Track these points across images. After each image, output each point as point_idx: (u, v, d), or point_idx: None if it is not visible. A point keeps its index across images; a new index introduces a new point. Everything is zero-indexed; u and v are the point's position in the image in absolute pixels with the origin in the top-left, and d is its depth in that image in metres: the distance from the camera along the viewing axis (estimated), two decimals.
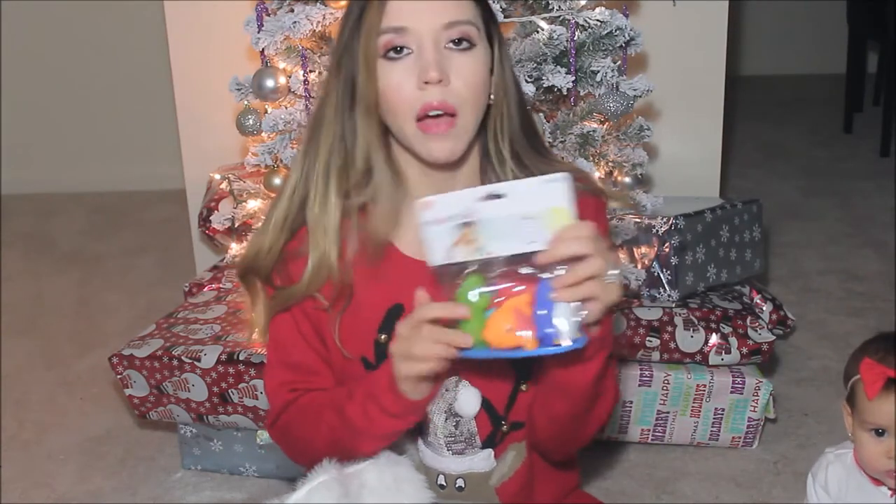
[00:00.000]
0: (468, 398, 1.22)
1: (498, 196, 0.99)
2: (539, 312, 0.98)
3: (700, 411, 2.01)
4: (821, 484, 1.34)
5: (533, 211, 0.98)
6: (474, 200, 1.00)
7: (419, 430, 1.25)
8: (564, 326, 0.98)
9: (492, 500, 1.27)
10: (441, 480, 1.26)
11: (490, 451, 1.25)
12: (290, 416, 1.25)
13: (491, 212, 0.99)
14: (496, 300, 1.01)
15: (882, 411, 1.22)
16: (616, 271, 1.01)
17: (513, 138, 1.20)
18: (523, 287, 1.00)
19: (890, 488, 1.27)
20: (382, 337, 1.20)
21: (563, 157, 1.85)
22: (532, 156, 1.21)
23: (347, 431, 1.16)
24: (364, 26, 1.12)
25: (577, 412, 1.17)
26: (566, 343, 0.98)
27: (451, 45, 1.11)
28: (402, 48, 1.11)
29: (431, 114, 1.11)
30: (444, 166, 1.17)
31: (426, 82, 1.10)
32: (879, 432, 1.23)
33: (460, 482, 1.25)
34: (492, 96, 1.18)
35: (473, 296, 1.01)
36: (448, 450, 1.24)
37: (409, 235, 1.20)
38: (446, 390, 1.22)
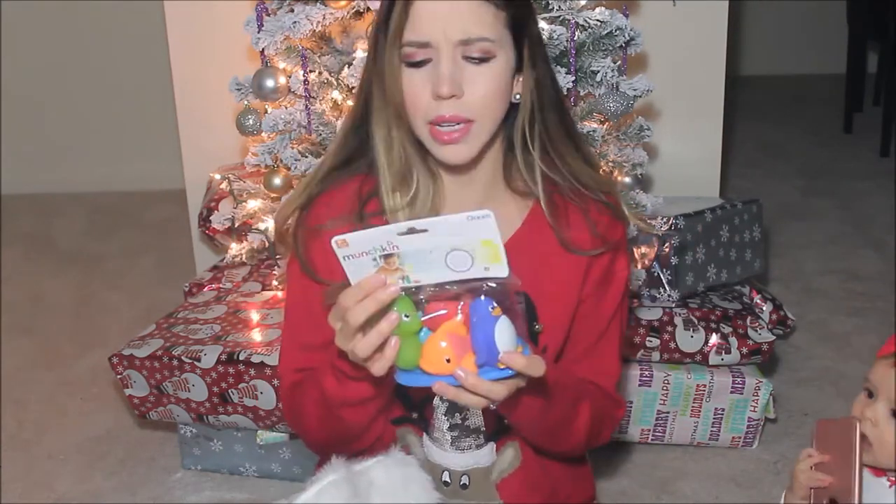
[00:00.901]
0: None
1: (419, 230, 0.97)
2: (477, 336, 0.97)
3: (700, 411, 2.01)
4: None
5: (460, 243, 0.97)
6: (394, 235, 0.97)
7: (424, 425, 1.25)
8: (507, 348, 0.97)
9: (492, 496, 1.27)
10: (446, 477, 1.26)
11: (493, 445, 1.26)
12: (292, 400, 1.26)
13: (414, 244, 0.97)
14: (430, 319, 0.99)
15: (878, 370, 1.22)
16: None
17: (544, 138, 1.19)
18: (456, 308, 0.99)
19: (890, 476, 1.26)
20: None
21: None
22: (569, 155, 1.20)
23: (327, 404, 1.17)
24: (389, 33, 1.12)
25: (536, 437, 1.21)
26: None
27: (468, 56, 1.11)
28: (421, 57, 1.12)
29: (444, 125, 1.12)
30: (461, 167, 1.18)
31: (439, 96, 1.10)
32: (871, 395, 1.24)
33: (465, 479, 1.26)
34: (517, 95, 1.17)
35: (405, 319, 0.99)
36: (453, 446, 1.24)
37: None
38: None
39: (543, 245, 1.22)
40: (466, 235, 0.96)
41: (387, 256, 0.97)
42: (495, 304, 0.98)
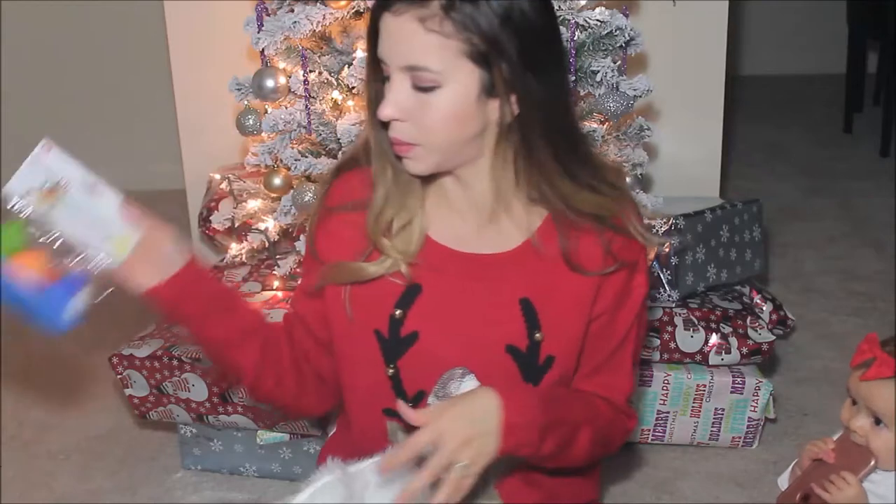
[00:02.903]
0: (470, 389, 1.22)
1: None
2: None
3: (700, 411, 2.01)
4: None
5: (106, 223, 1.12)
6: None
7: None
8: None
9: (491, 495, 1.26)
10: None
11: None
12: None
13: (79, 199, 1.11)
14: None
15: (853, 382, 1.26)
16: (463, 464, 1.06)
17: (529, 160, 1.15)
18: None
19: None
20: (398, 313, 1.21)
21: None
22: (557, 180, 1.16)
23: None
24: (370, 44, 1.14)
25: (532, 462, 1.21)
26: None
27: (416, 84, 1.10)
28: (385, 73, 1.13)
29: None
30: (452, 173, 1.19)
31: (380, 118, 1.12)
32: (854, 402, 1.27)
33: None
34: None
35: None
36: None
37: (437, 220, 1.22)
38: (450, 380, 1.22)
39: (554, 255, 1.20)
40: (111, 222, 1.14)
41: (53, 188, 1.11)
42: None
